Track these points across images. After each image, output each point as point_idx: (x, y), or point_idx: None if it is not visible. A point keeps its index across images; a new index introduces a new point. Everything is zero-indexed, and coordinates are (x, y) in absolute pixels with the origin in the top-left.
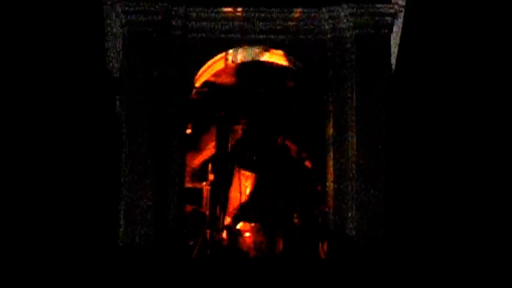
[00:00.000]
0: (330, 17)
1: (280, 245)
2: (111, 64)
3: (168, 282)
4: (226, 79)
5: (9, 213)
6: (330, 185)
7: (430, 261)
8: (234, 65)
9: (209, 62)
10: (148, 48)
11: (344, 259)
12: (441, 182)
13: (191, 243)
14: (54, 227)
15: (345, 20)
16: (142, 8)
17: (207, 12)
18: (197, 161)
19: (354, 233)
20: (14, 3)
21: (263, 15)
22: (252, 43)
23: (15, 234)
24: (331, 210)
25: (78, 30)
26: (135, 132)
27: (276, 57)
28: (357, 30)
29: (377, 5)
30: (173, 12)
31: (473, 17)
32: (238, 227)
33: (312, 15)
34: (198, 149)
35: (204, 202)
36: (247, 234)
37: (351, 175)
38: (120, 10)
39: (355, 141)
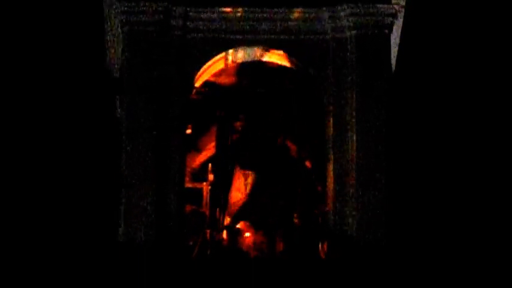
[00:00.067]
0: (330, 17)
1: (280, 245)
2: (111, 64)
3: (168, 281)
4: (226, 79)
5: (10, 213)
6: (330, 185)
7: (429, 261)
8: (234, 65)
9: (209, 62)
10: (148, 48)
11: (344, 259)
12: (441, 182)
13: (191, 243)
14: (55, 227)
15: (345, 20)
16: (142, 8)
17: (207, 13)
18: (197, 161)
19: (354, 233)
20: (14, 3)
21: (263, 15)
22: (252, 43)
23: (17, 233)
24: (331, 210)
25: (78, 30)
26: (135, 132)
27: (276, 57)
28: (357, 30)
29: (377, 5)
30: (173, 12)
31: (473, 17)
32: (238, 227)
33: (312, 15)
34: (198, 149)
35: (204, 202)
36: (247, 234)
37: (351, 175)
38: (120, 10)
39: (355, 141)
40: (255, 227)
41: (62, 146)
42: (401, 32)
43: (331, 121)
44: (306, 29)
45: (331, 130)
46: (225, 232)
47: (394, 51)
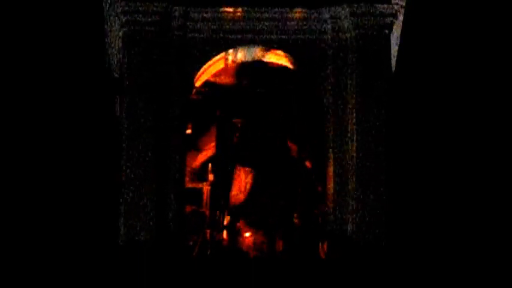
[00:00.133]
0: (330, 17)
1: (280, 245)
2: (111, 64)
3: (168, 281)
4: (226, 79)
5: (10, 213)
6: (330, 185)
7: (429, 261)
8: (234, 65)
9: (209, 62)
10: (148, 48)
11: (344, 259)
12: (441, 182)
13: (191, 243)
14: (56, 227)
15: (345, 20)
16: (142, 8)
17: (207, 13)
18: (197, 161)
19: (353, 233)
20: (15, 4)
21: (263, 15)
22: (252, 43)
23: (17, 234)
24: (331, 210)
25: (78, 30)
26: (135, 132)
27: (276, 57)
28: (357, 31)
29: (377, 5)
30: (173, 13)
31: (473, 17)
32: (238, 227)
33: (312, 15)
34: (198, 149)
35: (204, 202)
36: (247, 234)
37: (351, 175)
38: (120, 10)
39: (355, 141)
40: (255, 227)
41: (62, 146)
42: (401, 32)
43: (331, 121)
44: (306, 29)
45: (331, 130)
46: (225, 232)
47: (394, 51)
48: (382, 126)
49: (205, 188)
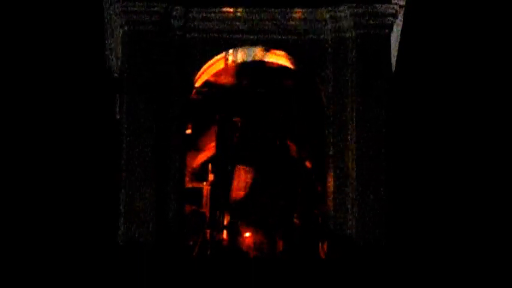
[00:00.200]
0: (330, 17)
1: (280, 245)
2: (111, 64)
3: (168, 281)
4: (226, 79)
5: (10, 213)
6: (330, 185)
7: (428, 261)
8: (234, 65)
9: (209, 62)
10: (148, 48)
11: (344, 259)
12: (441, 182)
13: (191, 243)
14: (56, 227)
15: (345, 20)
16: (142, 8)
17: (207, 13)
18: (197, 161)
19: (353, 233)
20: (15, 3)
21: (263, 15)
22: (252, 43)
23: (17, 234)
24: (331, 210)
25: (78, 30)
26: (135, 132)
27: (276, 57)
28: (357, 30)
29: (377, 5)
30: (173, 12)
31: (473, 17)
32: (238, 227)
33: (313, 15)
34: (198, 149)
35: (204, 202)
36: (247, 234)
37: (351, 175)
38: (120, 10)
39: (355, 141)
40: (255, 227)
41: (62, 146)
42: (401, 32)
43: (331, 121)
44: (306, 29)
45: (331, 130)
46: (225, 232)
47: (394, 51)
48: (382, 126)
49: (205, 188)
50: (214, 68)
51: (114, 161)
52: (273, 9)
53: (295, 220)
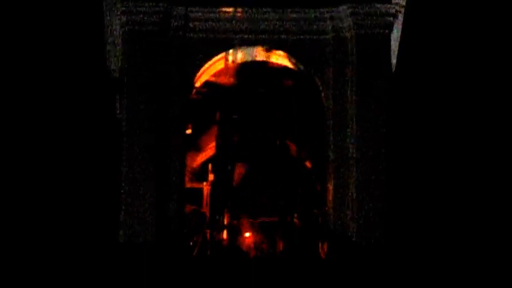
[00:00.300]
0: (330, 17)
1: (280, 245)
2: (111, 64)
3: (168, 281)
4: (226, 79)
5: (11, 213)
6: (330, 185)
7: (428, 260)
8: (234, 65)
9: (209, 62)
10: (148, 48)
11: (344, 259)
12: (441, 183)
13: (191, 243)
14: (56, 227)
15: (345, 20)
16: (142, 8)
17: (207, 13)
18: (197, 161)
19: (353, 233)
20: (15, 4)
21: (263, 15)
22: (252, 43)
23: (17, 234)
24: (331, 210)
25: (78, 30)
26: (135, 132)
27: (276, 57)
28: (357, 30)
29: (377, 5)
30: (173, 13)
31: (473, 17)
32: (238, 226)
33: (313, 15)
34: (198, 149)
35: (204, 202)
36: (247, 234)
37: (351, 175)
38: (120, 10)
39: (355, 141)
40: (255, 226)
41: (62, 146)
42: (401, 32)
43: (331, 121)
44: (306, 29)
45: (331, 130)
46: (225, 232)
47: (394, 50)
48: (382, 126)
49: (205, 188)
50: (214, 68)
51: (115, 160)
52: (273, 9)
53: (295, 220)
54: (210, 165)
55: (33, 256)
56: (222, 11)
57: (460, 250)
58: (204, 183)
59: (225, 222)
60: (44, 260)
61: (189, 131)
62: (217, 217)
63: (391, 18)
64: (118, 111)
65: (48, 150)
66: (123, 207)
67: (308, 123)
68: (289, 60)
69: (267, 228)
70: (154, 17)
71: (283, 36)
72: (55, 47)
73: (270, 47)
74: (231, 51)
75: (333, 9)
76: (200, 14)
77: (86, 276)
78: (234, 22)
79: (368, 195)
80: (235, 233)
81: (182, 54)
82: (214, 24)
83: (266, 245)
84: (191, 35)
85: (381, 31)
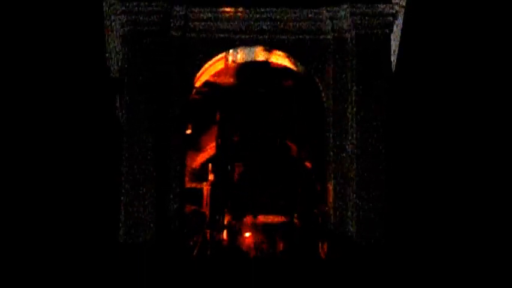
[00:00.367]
0: (330, 17)
1: (280, 245)
2: (111, 64)
3: (168, 281)
4: (226, 79)
5: (11, 213)
6: (330, 185)
7: (428, 260)
8: (234, 65)
9: (209, 62)
10: (148, 48)
11: (344, 259)
12: (440, 182)
13: (191, 243)
14: (56, 227)
15: (345, 20)
16: (142, 8)
17: (207, 13)
18: (197, 161)
19: (353, 233)
20: (15, 4)
21: (263, 15)
22: (252, 43)
23: (17, 234)
24: (331, 210)
25: (78, 30)
26: (135, 132)
27: (276, 57)
28: (357, 30)
29: (377, 5)
30: (173, 12)
31: (473, 17)
32: (238, 226)
33: (312, 15)
34: (198, 149)
35: (204, 202)
36: (247, 234)
37: (351, 175)
38: (120, 10)
39: (355, 141)
40: (255, 227)
41: (62, 146)
42: (401, 32)
43: (331, 121)
44: (306, 29)
45: (331, 130)
46: (225, 232)
47: (394, 50)
48: (382, 125)
49: (205, 188)
50: (214, 68)
51: (115, 161)
52: (273, 9)
53: (295, 220)
54: (210, 165)
55: (33, 256)
56: (222, 11)
57: (460, 250)
58: (204, 183)
59: (225, 222)
60: (44, 260)
61: (189, 131)
62: (217, 217)
63: (391, 18)
64: (118, 111)
65: (48, 150)
66: (123, 207)
67: (308, 123)
68: (289, 60)
69: (267, 228)
70: (154, 17)
71: (283, 36)
72: (55, 47)
73: (270, 47)
74: (231, 51)
75: (333, 9)
76: (200, 14)
77: (86, 276)
78: (234, 22)
79: (368, 195)
80: (235, 233)
81: (182, 54)
82: (214, 24)
83: (266, 245)
84: (191, 35)
85: (381, 31)
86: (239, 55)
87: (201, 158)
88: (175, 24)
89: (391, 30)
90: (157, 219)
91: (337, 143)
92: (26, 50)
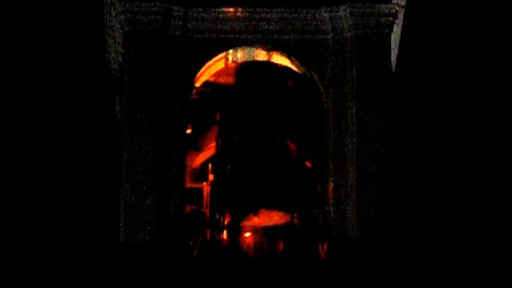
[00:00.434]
0: (330, 17)
1: (280, 245)
2: (111, 64)
3: (168, 281)
4: (226, 79)
5: (11, 213)
6: (330, 185)
7: (428, 260)
8: (234, 65)
9: (209, 62)
10: (148, 48)
11: (344, 259)
12: (440, 182)
13: (191, 243)
14: (56, 228)
15: (345, 20)
16: (142, 8)
17: (207, 13)
18: (197, 161)
19: (353, 233)
20: (15, 3)
21: (263, 15)
22: (252, 43)
23: (17, 234)
24: (331, 210)
25: (78, 30)
26: (135, 132)
27: (276, 57)
28: (357, 30)
29: (377, 5)
30: (173, 12)
31: (473, 17)
32: (238, 226)
33: (312, 15)
34: (198, 149)
35: (204, 202)
36: (247, 234)
37: (351, 175)
38: (120, 10)
39: (355, 141)
40: (255, 227)
41: (62, 146)
42: (401, 32)
43: (331, 121)
44: (306, 29)
45: (331, 130)
46: (225, 232)
47: (394, 50)
48: (382, 125)
49: (205, 188)
50: (214, 68)
51: (115, 161)
52: (273, 9)
53: (295, 220)
54: (210, 165)
55: (33, 256)
56: (222, 11)
57: (460, 250)
58: (204, 183)
59: (225, 222)
60: (44, 260)
61: (189, 131)
62: (217, 217)
63: (391, 18)
64: (118, 111)
65: (48, 150)
66: (123, 207)
67: (308, 123)
68: (290, 60)
69: (267, 228)
70: (154, 17)
71: (283, 36)
72: (55, 47)
73: (270, 47)
74: (231, 51)
75: (333, 9)
76: (200, 14)
77: (86, 276)
78: (234, 22)
79: (368, 195)
80: (235, 233)
81: (182, 54)
82: (214, 24)
83: (266, 245)
84: (191, 35)
85: (381, 31)
86: (239, 55)
87: (201, 158)
88: (175, 24)
89: (391, 30)
90: (157, 219)
91: (337, 143)
92: (26, 50)
